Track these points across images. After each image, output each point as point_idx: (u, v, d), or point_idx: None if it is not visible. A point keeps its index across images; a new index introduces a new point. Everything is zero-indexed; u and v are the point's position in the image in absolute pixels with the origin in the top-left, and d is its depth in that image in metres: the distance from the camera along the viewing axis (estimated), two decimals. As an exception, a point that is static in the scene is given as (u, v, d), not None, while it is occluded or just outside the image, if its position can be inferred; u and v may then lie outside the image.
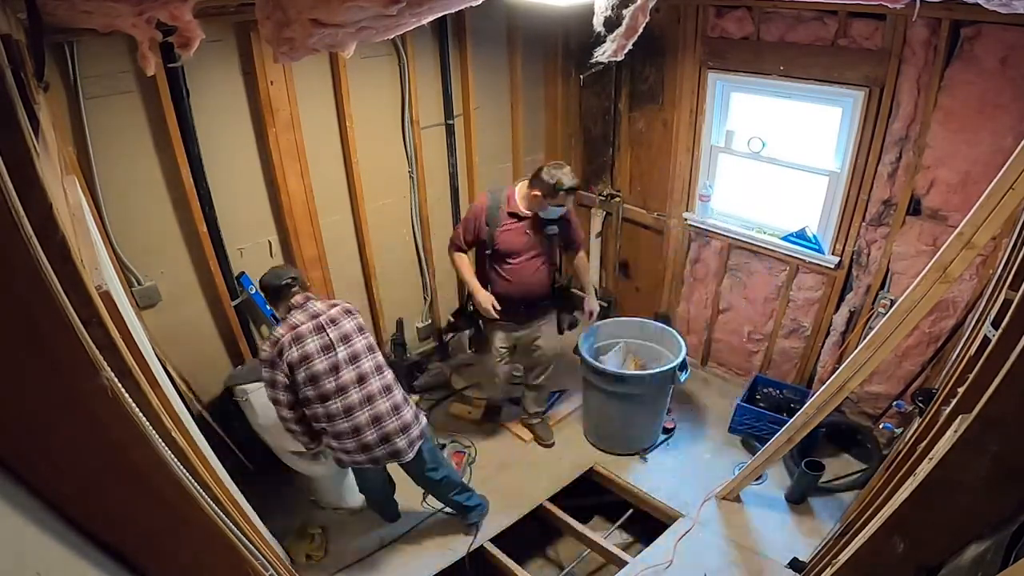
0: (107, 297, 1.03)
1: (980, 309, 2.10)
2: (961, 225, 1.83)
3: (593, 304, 2.91)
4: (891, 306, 2.25)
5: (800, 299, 3.18)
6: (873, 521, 1.21)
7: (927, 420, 1.71)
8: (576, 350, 3.03)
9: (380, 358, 2.31)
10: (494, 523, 2.78)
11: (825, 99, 2.77)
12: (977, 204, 1.77)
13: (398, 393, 2.32)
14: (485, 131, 3.55)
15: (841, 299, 3.01)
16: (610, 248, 3.99)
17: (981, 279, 2.47)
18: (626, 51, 1.34)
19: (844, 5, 2.46)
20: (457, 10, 1.11)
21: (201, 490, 0.96)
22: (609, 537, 2.90)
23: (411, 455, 2.33)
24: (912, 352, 2.80)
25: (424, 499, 2.83)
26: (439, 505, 2.76)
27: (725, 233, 3.32)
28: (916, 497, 1.04)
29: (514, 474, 3.09)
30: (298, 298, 2.20)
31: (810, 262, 3.05)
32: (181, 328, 2.71)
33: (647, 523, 2.95)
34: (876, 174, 2.68)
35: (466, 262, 2.78)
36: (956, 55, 2.31)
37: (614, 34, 1.32)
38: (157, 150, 2.44)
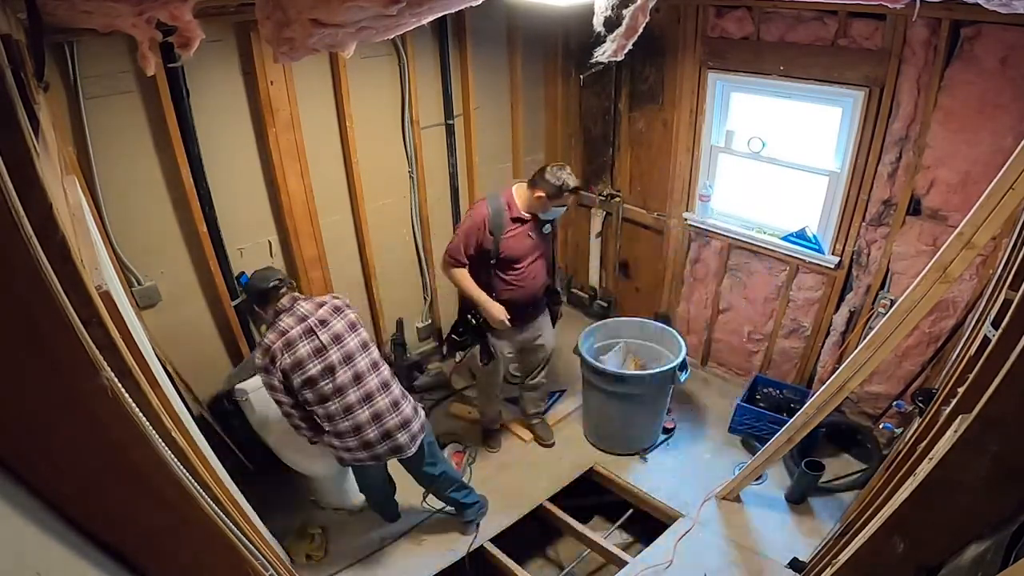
0: (107, 297, 1.03)
1: (980, 309, 2.10)
2: (961, 225, 1.83)
3: (560, 287, 2.99)
4: (891, 306, 2.25)
5: (800, 299, 3.18)
6: (873, 521, 1.21)
7: (927, 420, 1.71)
8: (576, 350, 3.02)
9: (375, 354, 2.30)
10: (494, 523, 2.78)
11: (825, 99, 2.77)
12: (977, 204, 1.77)
13: (396, 388, 2.32)
14: (485, 131, 3.55)
15: (841, 299, 3.01)
16: (610, 248, 3.99)
17: (981, 279, 2.47)
18: (626, 51, 1.34)
19: (844, 5, 2.45)
20: (457, 10, 1.11)
21: (201, 490, 0.96)
22: (609, 537, 2.90)
23: (413, 449, 2.33)
24: (912, 352, 2.80)
25: (424, 499, 2.83)
26: (439, 505, 2.76)
27: (725, 233, 3.32)
28: (916, 497, 1.04)
29: (514, 474, 3.09)
30: (285, 300, 2.16)
31: (810, 262, 3.05)
32: (181, 328, 2.71)
33: (647, 523, 2.95)
34: (876, 174, 2.68)
35: (467, 277, 2.67)
36: (956, 55, 2.31)
37: (614, 34, 1.32)
38: (157, 150, 2.44)
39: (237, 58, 2.55)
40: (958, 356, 2.04)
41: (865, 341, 2.17)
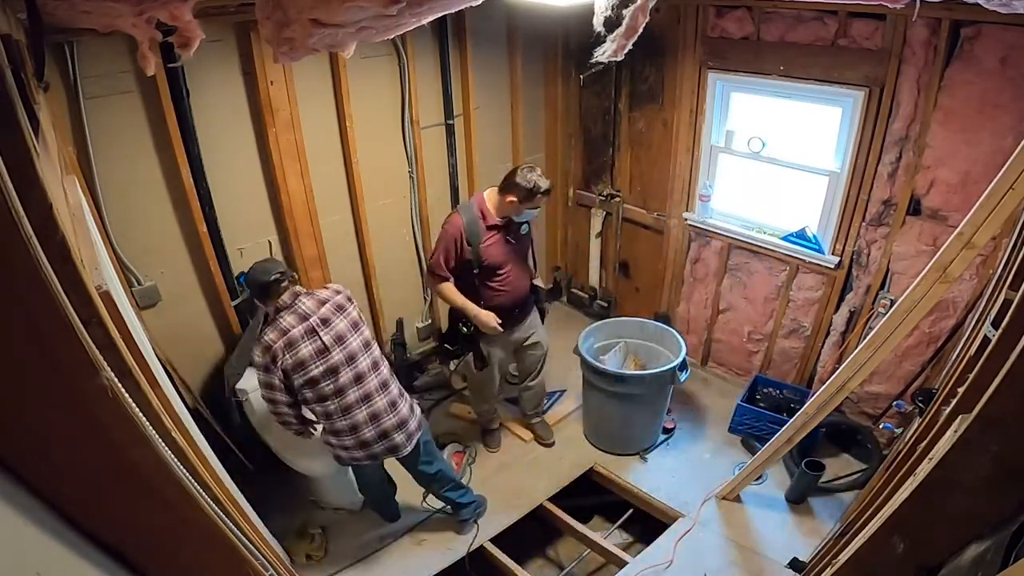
0: (107, 297, 1.03)
1: (980, 309, 2.10)
2: (961, 225, 1.83)
3: (540, 282, 2.97)
4: (891, 306, 2.25)
5: (800, 299, 3.18)
6: (873, 521, 1.21)
7: (927, 420, 1.71)
8: (576, 350, 3.02)
9: (376, 353, 2.28)
10: (494, 523, 2.79)
11: (825, 99, 2.77)
12: (977, 204, 1.77)
13: (394, 387, 2.32)
14: (485, 131, 3.55)
15: (841, 299, 3.01)
16: (610, 248, 3.99)
17: (981, 279, 2.47)
18: (626, 51, 1.34)
19: (844, 5, 2.45)
20: (457, 10, 1.11)
21: (201, 490, 0.96)
22: (609, 537, 2.90)
23: (409, 448, 2.33)
24: (912, 352, 2.80)
25: (424, 499, 2.83)
26: (439, 505, 2.77)
27: (725, 233, 3.32)
28: (916, 497, 1.04)
29: (514, 474, 3.09)
30: (286, 297, 2.11)
31: (810, 262, 3.05)
32: (181, 328, 2.71)
33: (647, 523, 2.95)
34: (876, 174, 2.68)
35: (454, 291, 2.67)
36: (956, 55, 2.31)
37: (614, 34, 1.32)
38: (157, 150, 2.44)
39: (237, 58, 2.55)
40: (958, 356, 2.04)
41: (865, 341, 2.17)
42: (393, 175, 3.27)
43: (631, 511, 2.98)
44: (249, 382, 2.61)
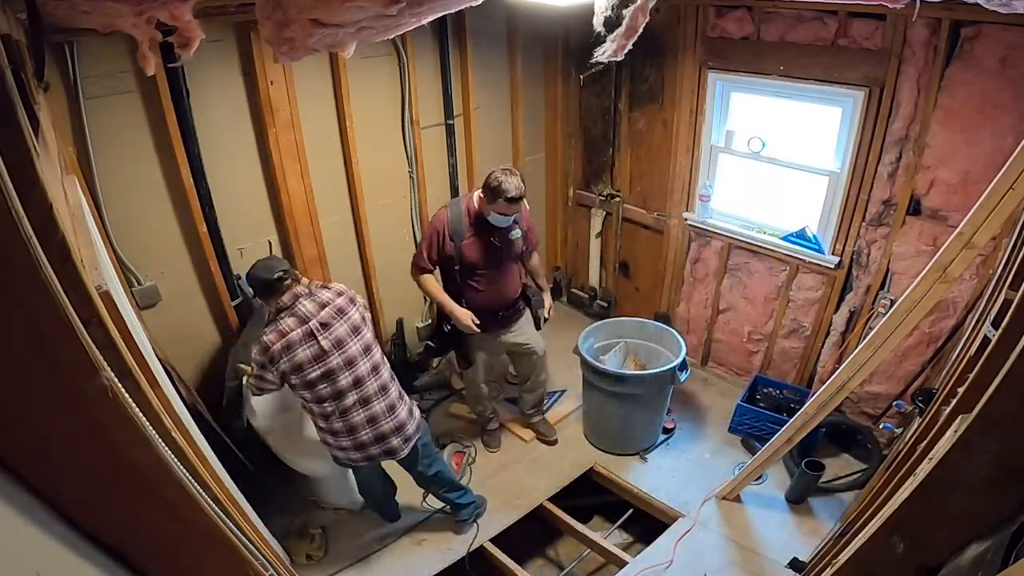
0: (107, 297, 1.04)
1: (980, 309, 2.10)
2: (961, 225, 1.83)
3: (549, 300, 2.93)
4: (891, 306, 2.25)
5: (800, 299, 3.18)
6: (873, 521, 1.21)
7: (927, 420, 1.71)
8: (576, 350, 3.02)
9: (377, 356, 2.26)
10: (494, 523, 2.79)
11: (825, 99, 2.76)
12: (977, 204, 1.77)
13: (393, 391, 2.31)
14: (485, 131, 3.55)
15: (841, 299, 3.01)
16: (610, 248, 3.99)
17: (981, 279, 2.47)
18: (626, 51, 1.34)
19: (844, 5, 2.45)
20: (457, 10, 1.11)
21: (201, 490, 0.96)
22: (609, 537, 2.90)
23: (405, 451, 2.33)
24: (912, 352, 2.80)
25: (424, 499, 2.83)
26: (439, 505, 2.77)
27: (725, 233, 3.32)
28: (916, 497, 1.04)
29: (514, 474, 3.09)
30: (286, 297, 2.09)
31: (810, 262, 3.05)
32: (181, 328, 2.71)
33: (647, 523, 2.95)
34: (876, 174, 2.68)
35: (433, 283, 2.69)
36: (956, 55, 2.31)
37: (614, 34, 1.32)
38: (157, 150, 2.44)
39: (237, 58, 2.55)
40: (958, 356, 2.04)
41: (865, 341, 2.17)
42: (393, 175, 3.27)
43: (631, 511, 2.98)
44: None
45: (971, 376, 1.21)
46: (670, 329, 3.23)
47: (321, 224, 3.00)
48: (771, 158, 3.02)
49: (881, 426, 2.83)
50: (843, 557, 1.37)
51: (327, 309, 2.13)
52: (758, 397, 3.27)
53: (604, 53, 1.36)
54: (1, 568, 0.57)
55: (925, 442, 1.40)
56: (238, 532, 1.10)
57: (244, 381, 2.29)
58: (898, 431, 2.63)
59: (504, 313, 2.79)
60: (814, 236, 3.01)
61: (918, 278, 1.97)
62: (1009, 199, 1.70)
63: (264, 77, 2.57)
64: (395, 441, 2.29)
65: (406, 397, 2.39)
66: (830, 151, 2.85)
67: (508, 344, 2.90)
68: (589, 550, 2.84)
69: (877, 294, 2.84)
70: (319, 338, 2.09)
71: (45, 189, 0.83)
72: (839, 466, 2.97)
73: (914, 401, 2.43)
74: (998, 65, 2.22)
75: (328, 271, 3.10)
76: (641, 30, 1.29)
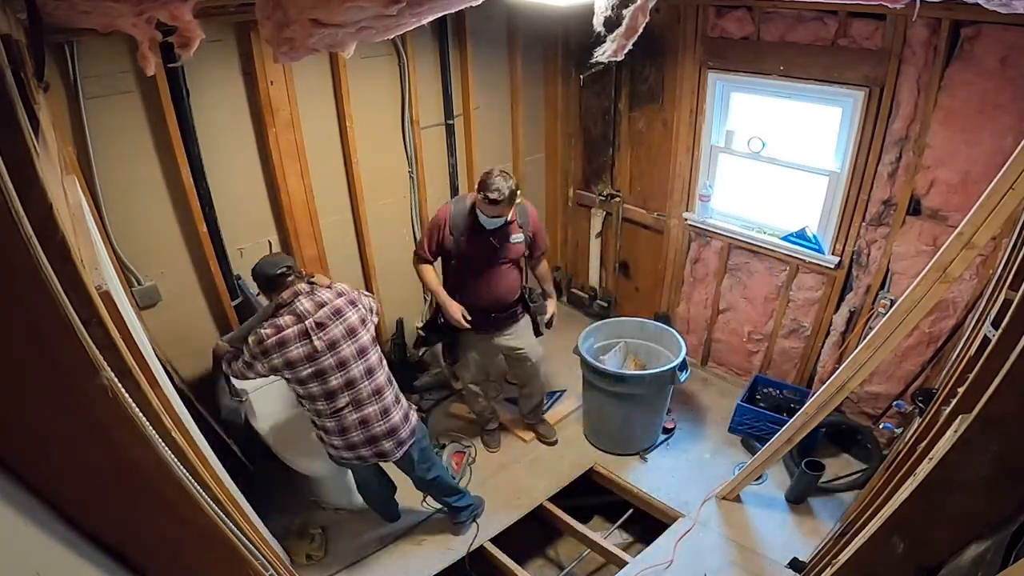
0: (107, 297, 1.03)
1: (980, 309, 2.10)
2: (961, 225, 1.83)
3: (552, 308, 2.90)
4: (891, 306, 2.25)
5: (800, 299, 3.18)
6: (873, 521, 1.21)
7: (927, 420, 1.71)
8: (576, 350, 3.02)
9: (373, 359, 2.25)
10: (494, 523, 2.79)
11: (825, 99, 2.76)
12: (977, 204, 1.77)
13: (389, 395, 2.29)
14: (485, 131, 3.55)
15: (841, 299, 3.01)
16: (610, 248, 3.99)
17: (981, 279, 2.47)
18: (626, 51, 1.34)
19: (844, 5, 2.45)
20: (457, 10, 1.11)
21: (201, 490, 0.96)
22: (609, 537, 2.90)
23: (398, 455, 2.33)
24: (912, 352, 2.80)
25: (424, 499, 2.83)
26: (439, 505, 2.76)
27: (725, 233, 3.32)
28: (916, 497, 1.04)
29: (514, 474, 3.09)
30: (286, 294, 2.11)
31: (810, 262, 3.05)
32: (181, 328, 2.71)
33: (647, 523, 2.95)
34: (876, 174, 2.68)
35: (431, 273, 2.71)
36: (956, 55, 2.31)
37: (614, 34, 1.32)
38: (157, 150, 2.44)
39: (237, 58, 2.55)
40: (958, 356, 2.04)
41: (865, 341, 2.17)
42: (393, 175, 3.27)
43: (631, 511, 2.98)
44: (249, 383, 2.60)
45: (971, 376, 1.21)
46: (670, 329, 3.23)
47: (321, 224, 3.01)
48: (771, 158, 3.02)
49: (881, 426, 2.83)
50: (843, 557, 1.37)
51: (324, 309, 2.14)
52: (758, 397, 3.27)
53: (604, 53, 1.36)
54: (1, 568, 0.57)
55: (925, 442, 1.40)
56: (238, 532, 1.10)
57: (224, 366, 2.27)
58: (898, 431, 2.63)
59: (498, 315, 2.77)
60: (814, 236, 3.01)
61: (918, 278, 1.97)
62: (1009, 199, 1.70)
63: (264, 77, 2.57)
64: (387, 445, 2.29)
65: (403, 401, 2.38)
66: (830, 151, 2.85)
67: (502, 347, 2.89)
68: (589, 550, 2.84)
69: (877, 294, 2.84)
70: (313, 337, 2.10)
71: (45, 189, 0.83)
72: (839, 466, 2.98)
73: (914, 401, 2.43)
74: (998, 65, 2.22)
75: (328, 271, 3.09)
76: (641, 30, 1.29)
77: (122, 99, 2.31)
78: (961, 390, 1.23)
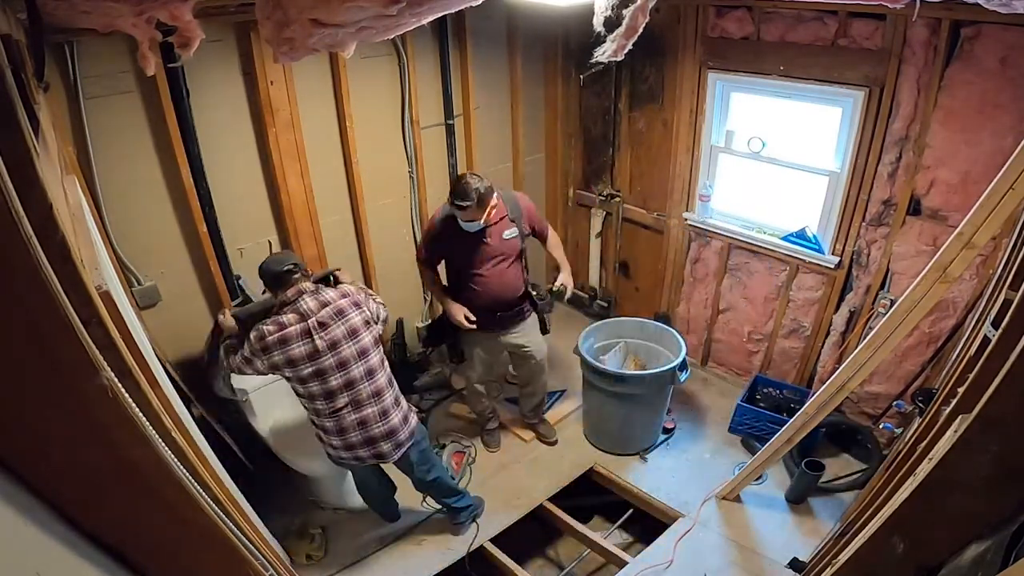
0: (107, 297, 1.04)
1: (980, 309, 2.10)
2: (961, 225, 1.83)
3: (567, 279, 2.75)
4: (891, 306, 2.25)
5: (800, 299, 3.18)
6: (873, 521, 1.21)
7: (927, 420, 1.71)
8: (576, 350, 3.02)
9: (374, 361, 2.24)
10: (494, 523, 2.79)
11: (825, 99, 2.76)
12: (977, 204, 1.77)
13: (388, 397, 2.29)
14: (485, 131, 3.55)
15: (841, 299, 3.01)
16: (610, 248, 3.99)
17: (981, 279, 2.47)
18: (626, 51, 1.34)
19: (844, 5, 2.45)
20: (457, 10, 1.11)
21: (201, 490, 0.96)
22: (609, 537, 2.90)
23: (395, 457, 2.33)
24: (912, 352, 2.80)
25: (424, 499, 2.83)
26: (439, 505, 2.76)
27: (725, 233, 3.32)
28: (916, 497, 1.04)
29: (514, 474, 3.09)
30: (291, 292, 2.11)
31: (810, 262, 3.05)
32: (181, 328, 2.71)
33: (647, 523, 2.95)
34: (876, 174, 2.68)
35: (432, 275, 2.73)
36: (956, 55, 2.31)
37: (614, 34, 1.32)
38: (157, 150, 2.44)
39: (237, 58, 2.55)
40: (958, 356, 2.04)
41: (865, 341, 2.17)
42: (393, 175, 3.27)
43: (631, 511, 2.98)
44: (249, 382, 2.60)
45: (971, 376, 1.21)
46: (670, 329, 3.23)
47: (321, 224, 3.01)
48: (771, 158, 3.02)
49: (881, 426, 2.83)
50: (843, 557, 1.37)
51: (327, 309, 2.14)
52: (758, 397, 3.27)
53: (604, 53, 1.36)
54: (1, 568, 0.57)
55: (925, 442, 1.40)
56: (238, 532, 1.10)
57: (221, 349, 2.24)
58: (898, 431, 2.63)
59: (504, 314, 2.76)
60: (814, 236, 3.01)
61: (918, 278, 1.97)
62: (1009, 199, 1.70)
63: (264, 77, 2.57)
64: (385, 446, 2.29)
65: (403, 403, 2.38)
66: (830, 151, 2.85)
67: (508, 345, 2.89)
68: (589, 550, 2.84)
69: (877, 294, 2.84)
70: (314, 337, 2.10)
71: (45, 189, 0.83)
72: (839, 466, 2.98)
73: (914, 401, 2.43)
74: (998, 65, 2.22)
75: (328, 271, 3.10)
76: (641, 30, 1.29)
77: (122, 99, 2.31)
78: (961, 390, 1.23)
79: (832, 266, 2.96)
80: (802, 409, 2.43)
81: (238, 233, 2.78)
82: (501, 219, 2.61)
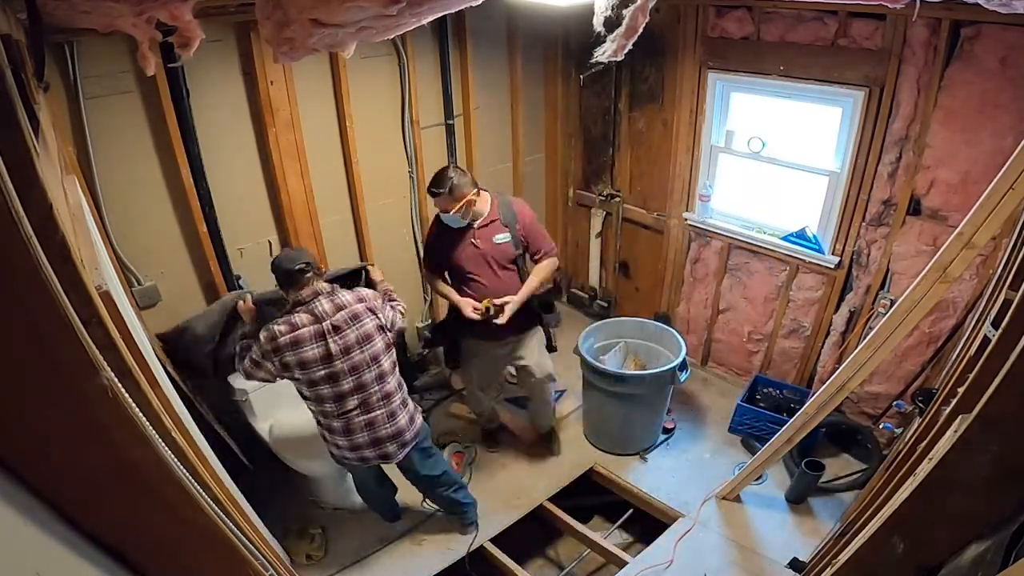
0: (107, 297, 1.04)
1: (980, 309, 2.10)
2: (961, 225, 1.83)
3: (514, 300, 2.56)
4: (891, 306, 2.25)
5: (800, 299, 3.18)
6: (873, 521, 1.21)
7: (927, 420, 1.71)
8: (576, 350, 3.02)
9: (386, 365, 2.23)
10: (494, 523, 2.78)
11: (825, 99, 2.76)
12: (977, 204, 1.77)
13: (397, 399, 2.29)
14: (485, 131, 3.55)
15: (841, 299, 3.01)
16: (610, 248, 3.99)
17: (981, 279, 2.47)
18: (626, 51, 1.34)
19: (844, 5, 2.46)
20: (457, 10, 1.11)
21: (201, 490, 0.96)
22: (609, 537, 2.90)
23: (399, 457, 2.33)
24: (912, 352, 2.80)
25: (424, 499, 2.82)
26: (438, 506, 2.76)
27: (725, 233, 3.31)
28: (916, 497, 1.04)
29: (514, 474, 3.09)
30: (305, 292, 2.09)
31: (810, 262, 3.05)
32: (181, 328, 2.71)
33: (647, 523, 2.95)
34: (876, 174, 2.68)
35: (440, 283, 2.69)
36: (956, 55, 2.31)
37: (614, 34, 1.32)
38: (157, 150, 2.44)
39: (237, 58, 2.54)
40: (958, 356, 2.04)
41: (865, 341, 2.17)
42: (393, 175, 3.27)
43: (631, 511, 2.98)
44: (249, 382, 2.60)
45: (971, 376, 1.21)
46: (670, 329, 3.23)
47: (321, 224, 3.00)
48: (771, 158, 3.02)
49: (881, 426, 2.83)
50: (843, 557, 1.37)
51: (342, 313, 2.11)
52: (758, 397, 3.27)
53: (604, 53, 1.36)
54: (1, 568, 0.57)
55: (925, 442, 1.40)
56: (238, 532, 1.10)
57: (237, 345, 2.22)
58: (898, 431, 2.63)
59: (497, 323, 2.62)
60: (814, 236, 3.01)
61: (918, 278, 1.97)
62: (1009, 199, 1.70)
63: (264, 77, 2.56)
64: (391, 447, 2.29)
65: (410, 404, 2.38)
66: (830, 151, 2.85)
67: (505, 357, 2.83)
68: (589, 550, 2.84)
69: (877, 294, 2.84)
70: (328, 340, 2.08)
71: (45, 189, 0.83)
72: (839, 466, 2.98)
73: (914, 401, 2.43)
74: (998, 65, 2.22)
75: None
76: (641, 30, 1.29)
77: (122, 99, 2.31)
78: (961, 390, 1.23)
79: (832, 266, 2.96)
80: (802, 409, 2.43)
81: (238, 233, 2.78)
82: (492, 222, 2.58)
